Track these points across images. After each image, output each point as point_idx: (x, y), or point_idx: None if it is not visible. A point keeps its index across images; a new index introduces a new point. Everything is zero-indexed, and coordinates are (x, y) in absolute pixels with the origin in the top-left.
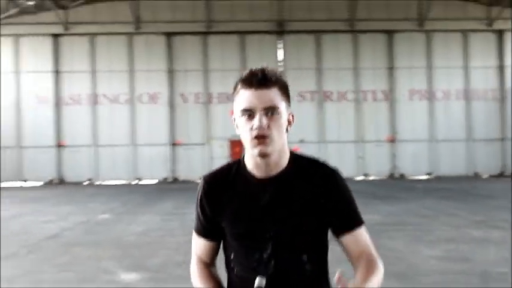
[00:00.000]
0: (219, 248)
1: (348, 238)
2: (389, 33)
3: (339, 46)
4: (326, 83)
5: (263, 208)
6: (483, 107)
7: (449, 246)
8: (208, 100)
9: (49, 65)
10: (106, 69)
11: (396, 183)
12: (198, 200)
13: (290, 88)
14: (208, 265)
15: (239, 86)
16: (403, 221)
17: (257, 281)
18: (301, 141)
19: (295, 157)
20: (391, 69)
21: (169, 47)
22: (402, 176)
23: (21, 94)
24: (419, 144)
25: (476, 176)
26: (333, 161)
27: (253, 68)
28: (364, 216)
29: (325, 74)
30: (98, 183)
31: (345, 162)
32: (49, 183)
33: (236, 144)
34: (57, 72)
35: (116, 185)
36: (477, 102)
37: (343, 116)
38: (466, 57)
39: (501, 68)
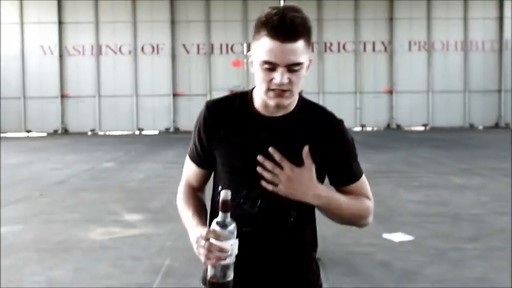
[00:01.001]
0: (210, 176)
1: (348, 188)
2: None
3: None
4: (326, 34)
5: (261, 145)
6: (481, 58)
7: (429, 191)
8: (210, 51)
9: (53, 16)
10: (110, 20)
11: (392, 134)
12: (197, 127)
13: None
14: (196, 190)
15: (263, 32)
16: (392, 169)
17: (222, 193)
18: (301, 92)
19: (303, 101)
20: (391, 20)
21: None
22: (399, 127)
23: (26, 45)
24: (417, 96)
25: (472, 128)
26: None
27: (282, 11)
28: None
29: (326, 25)
30: (101, 133)
31: (343, 113)
32: (53, 134)
33: None
34: (61, 23)
35: (118, 135)
36: (475, 54)
37: (343, 67)
38: (465, 8)
39: (500, 19)
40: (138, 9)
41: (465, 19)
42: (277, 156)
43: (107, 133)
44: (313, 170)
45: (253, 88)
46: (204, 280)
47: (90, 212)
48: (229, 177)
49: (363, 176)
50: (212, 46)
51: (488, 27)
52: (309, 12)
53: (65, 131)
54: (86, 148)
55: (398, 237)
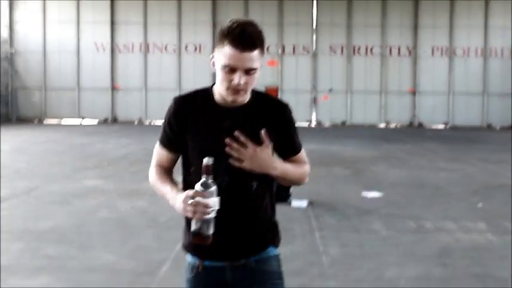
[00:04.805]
0: (177, 160)
1: (292, 159)
2: None
3: (369, 4)
4: (355, 38)
5: (225, 130)
6: (499, 64)
7: (413, 171)
8: None
9: (106, 16)
10: (157, 21)
11: (412, 131)
12: (167, 118)
13: (323, 42)
14: (168, 171)
15: (226, 41)
16: (393, 155)
17: (205, 160)
18: (330, 90)
19: (256, 93)
20: (415, 27)
21: (214, 0)
22: (421, 125)
23: (81, 42)
24: (438, 97)
25: (489, 127)
26: (358, 109)
27: (242, 26)
28: (365, 152)
29: (355, 30)
30: (146, 122)
31: (369, 111)
32: (104, 122)
33: (272, 91)
34: (113, 23)
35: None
36: (494, 60)
37: (370, 68)
38: (486, 17)
39: None
40: (183, 11)
41: (485, 27)
42: (242, 138)
43: (152, 122)
44: (270, 148)
45: (213, 84)
46: (184, 246)
47: None
48: (200, 158)
49: (302, 149)
50: None
51: (507, 35)
52: (340, 17)
53: (114, 120)
54: (135, 134)
55: (371, 194)
